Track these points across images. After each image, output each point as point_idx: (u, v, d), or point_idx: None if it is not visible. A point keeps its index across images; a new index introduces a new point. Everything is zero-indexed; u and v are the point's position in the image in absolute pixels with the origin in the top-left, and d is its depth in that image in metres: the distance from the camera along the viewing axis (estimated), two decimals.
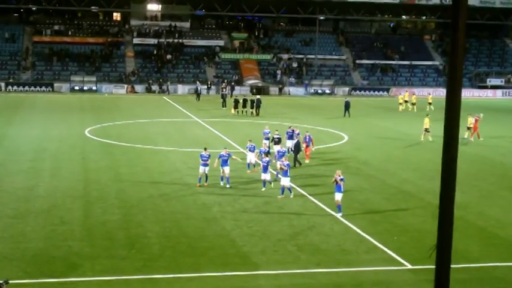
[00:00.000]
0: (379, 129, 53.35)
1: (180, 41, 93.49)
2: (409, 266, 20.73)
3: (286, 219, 25.41)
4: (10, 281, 15.86)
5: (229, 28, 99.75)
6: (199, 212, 26.09)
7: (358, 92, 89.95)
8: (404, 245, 22.73)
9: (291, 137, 38.67)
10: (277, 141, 37.11)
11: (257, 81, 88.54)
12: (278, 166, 31.10)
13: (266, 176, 30.08)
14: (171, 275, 19.33)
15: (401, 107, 68.76)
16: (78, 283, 18.58)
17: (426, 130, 45.83)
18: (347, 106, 62.35)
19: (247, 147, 33.78)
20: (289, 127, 39.92)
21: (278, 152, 33.42)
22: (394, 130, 52.91)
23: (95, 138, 44.45)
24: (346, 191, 30.46)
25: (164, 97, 78.68)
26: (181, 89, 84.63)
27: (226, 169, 30.25)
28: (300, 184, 31.38)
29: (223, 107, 66.10)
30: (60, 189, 29.45)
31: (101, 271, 19.45)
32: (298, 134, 38.27)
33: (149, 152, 39.67)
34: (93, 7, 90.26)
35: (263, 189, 29.91)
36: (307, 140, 37.60)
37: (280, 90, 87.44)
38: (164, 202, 27.50)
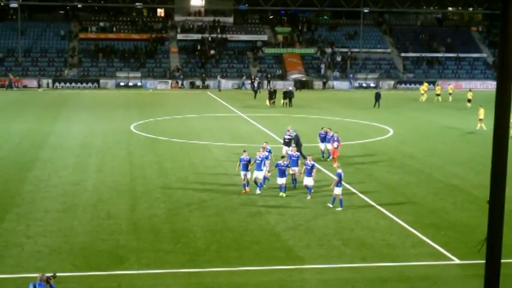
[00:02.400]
0: (424, 123, 52.69)
1: (224, 36, 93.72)
2: (457, 261, 20.41)
3: (331, 214, 25.26)
4: (58, 274, 16.10)
5: (272, 22, 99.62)
6: (244, 206, 26.09)
7: (403, 85, 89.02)
8: (452, 240, 22.38)
9: (323, 140, 35.84)
10: (287, 143, 34.23)
11: (301, 75, 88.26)
12: (291, 172, 28.56)
13: (259, 174, 27.93)
14: (217, 269, 19.37)
15: (423, 98, 70.10)
16: (124, 276, 18.75)
17: (480, 120, 47.19)
18: (377, 97, 63.50)
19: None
20: (322, 128, 36.78)
21: (290, 156, 29.22)
22: (439, 123, 52.11)
23: (140, 133, 44.85)
24: (392, 185, 30.30)
25: (208, 92, 78.95)
26: (225, 84, 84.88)
27: (246, 174, 28.09)
28: (345, 178, 31.10)
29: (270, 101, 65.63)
30: (106, 183, 29.77)
31: (147, 264, 19.61)
32: (331, 137, 35.09)
33: (194, 147, 39.85)
34: (137, 3, 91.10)
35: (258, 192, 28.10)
36: (335, 140, 34.61)
37: (324, 84, 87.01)
38: (209, 197, 27.55)
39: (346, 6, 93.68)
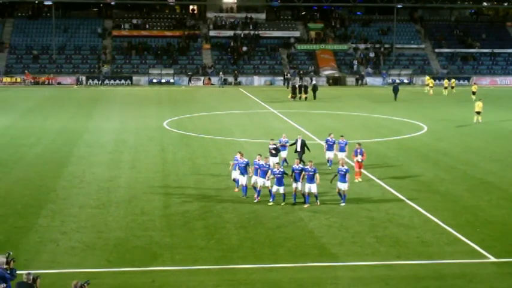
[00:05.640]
0: (458, 119, 52.01)
1: (256, 32, 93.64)
2: (493, 259, 20.13)
3: (364, 211, 25.08)
4: (93, 270, 16.19)
5: (305, 19, 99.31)
6: (277, 203, 26.00)
7: (437, 81, 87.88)
8: (488, 238, 22.09)
9: (330, 147, 32.34)
10: (274, 154, 31.08)
11: (333, 71, 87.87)
12: (300, 188, 26.16)
13: (257, 181, 26.60)
14: (250, 265, 19.36)
15: (430, 91, 73.49)
16: (158, 272, 18.83)
17: (478, 113, 49.15)
18: (395, 91, 66.30)
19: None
20: (329, 134, 33.00)
21: (294, 169, 26.34)
22: (471, 118, 51.35)
23: (173, 130, 45.01)
24: (426, 182, 30.03)
25: (240, 89, 78.97)
26: (257, 80, 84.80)
27: (260, 180, 26.53)
28: (379, 176, 30.93)
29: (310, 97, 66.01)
30: (139, 180, 29.92)
31: (180, 261, 19.67)
32: (355, 148, 30.32)
33: (226, 143, 39.89)
34: (170, 0, 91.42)
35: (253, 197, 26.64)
36: (357, 153, 30.01)
37: (357, 80, 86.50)
38: (241, 193, 27.49)
39: (379, 2, 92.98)
